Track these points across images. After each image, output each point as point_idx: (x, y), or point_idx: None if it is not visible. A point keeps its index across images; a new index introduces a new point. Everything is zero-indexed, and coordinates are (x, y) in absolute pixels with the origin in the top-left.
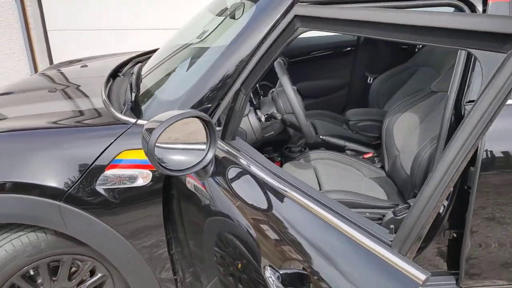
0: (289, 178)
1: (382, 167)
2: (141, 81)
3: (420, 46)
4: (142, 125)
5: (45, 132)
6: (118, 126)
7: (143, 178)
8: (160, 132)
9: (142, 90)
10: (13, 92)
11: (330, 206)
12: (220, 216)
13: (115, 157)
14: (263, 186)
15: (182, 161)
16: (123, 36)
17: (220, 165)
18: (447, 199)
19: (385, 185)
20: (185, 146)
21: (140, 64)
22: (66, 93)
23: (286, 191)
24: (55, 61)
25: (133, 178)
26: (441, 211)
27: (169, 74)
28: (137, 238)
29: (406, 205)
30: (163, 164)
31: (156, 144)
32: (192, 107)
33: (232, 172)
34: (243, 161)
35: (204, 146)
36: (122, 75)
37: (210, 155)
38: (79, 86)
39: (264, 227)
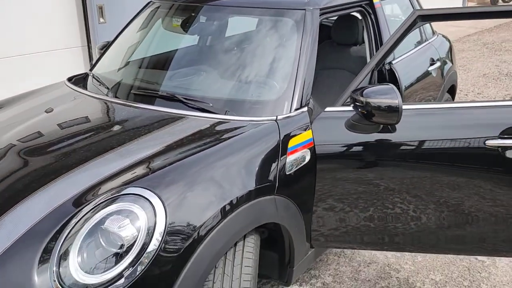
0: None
1: None
2: None
3: None
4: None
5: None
6: (268, 125)
7: (307, 156)
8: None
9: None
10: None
11: None
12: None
13: (287, 146)
14: None
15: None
16: None
17: None
18: None
19: None
20: None
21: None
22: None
23: None
24: None
25: (303, 158)
26: None
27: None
28: (303, 203)
29: None
30: None
31: None
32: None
33: None
34: None
35: None
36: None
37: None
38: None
39: None
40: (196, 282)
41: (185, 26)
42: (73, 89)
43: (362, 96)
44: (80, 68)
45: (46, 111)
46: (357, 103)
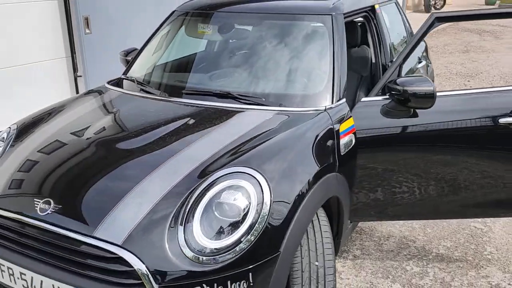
0: None
1: None
2: None
3: None
4: (332, 107)
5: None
6: (321, 114)
7: (353, 139)
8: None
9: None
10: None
11: None
12: None
13: (339, 130)
14: None
15: None
16: None
17: None
18: None
19: None
20: None
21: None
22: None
23: None
24: None
25: (351, 141)
26: None
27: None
28: (351, 181)
29: None
30: None
31: None
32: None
33: None
34: None
35: None
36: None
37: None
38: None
39: None
40: (295, 245)
41: (223, 32)
42: (122, 92)
43: (398, 85)
44: (65, 78)
45: (111, 112)
46: (393, 92)
